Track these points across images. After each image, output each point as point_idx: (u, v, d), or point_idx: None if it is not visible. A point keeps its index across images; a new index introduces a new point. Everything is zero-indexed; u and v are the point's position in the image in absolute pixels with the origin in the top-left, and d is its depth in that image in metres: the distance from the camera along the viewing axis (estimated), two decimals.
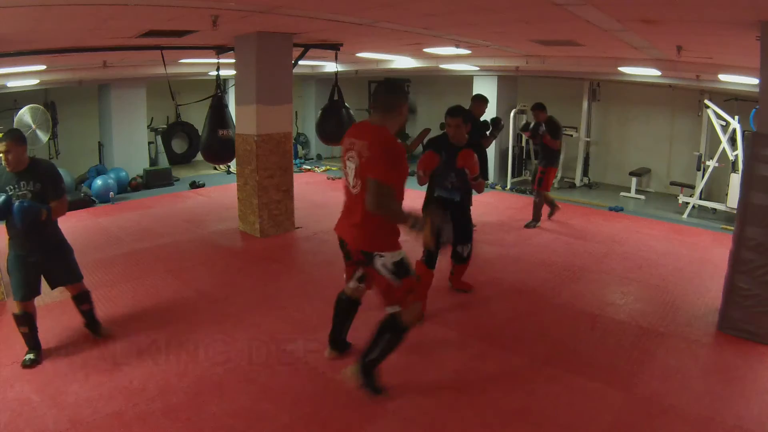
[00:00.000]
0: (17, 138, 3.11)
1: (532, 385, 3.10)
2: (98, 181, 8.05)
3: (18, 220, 2.98)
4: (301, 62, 6.50)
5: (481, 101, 5.97)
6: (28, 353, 3.28)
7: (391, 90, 2.75)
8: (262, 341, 3.60)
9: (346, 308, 3.26)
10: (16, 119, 7.44)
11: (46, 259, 3.29)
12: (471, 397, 2.98)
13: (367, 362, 2.85)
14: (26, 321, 3.26)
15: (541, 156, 6.61)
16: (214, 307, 4.18)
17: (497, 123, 5.89)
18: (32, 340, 3.32)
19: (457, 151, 3.78)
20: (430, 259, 3.92)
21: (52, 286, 3.43)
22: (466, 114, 4.02)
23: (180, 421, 2.72)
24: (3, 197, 3.02)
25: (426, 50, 6.84)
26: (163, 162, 10.17)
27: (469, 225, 4.20)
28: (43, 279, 3.36)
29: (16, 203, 2.99)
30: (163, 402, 2.87)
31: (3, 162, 3.09)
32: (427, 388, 3.05)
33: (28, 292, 3.23)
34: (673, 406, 2.88)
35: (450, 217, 3.75)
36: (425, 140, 4.75)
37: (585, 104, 9.39)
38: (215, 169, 10.75)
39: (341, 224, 2.89)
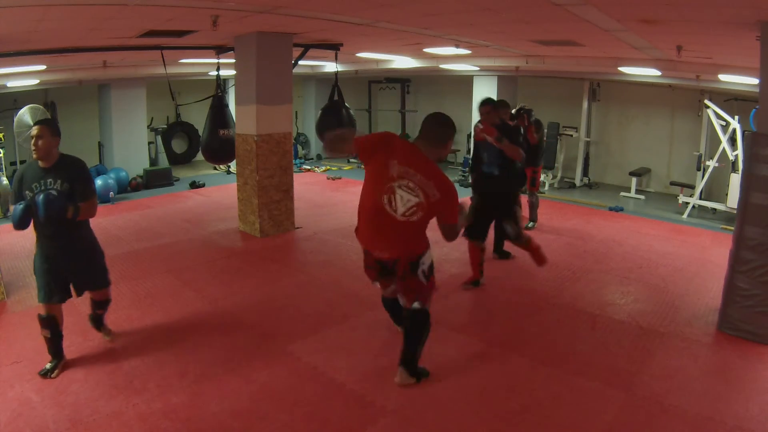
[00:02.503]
0: (51, 127, 3.00)
1: (532, 385, 3.10)
2: (98, 181, 8.05)
3: (41, 211, 2.83)
4: (301, 62, 6.50)
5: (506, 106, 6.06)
6: (49, 363, 3.15)
7: (447, 124, 2.85)
8: (262, 341, 3.60)
9: (396, 305, 3.28)
10: (16, 119, 7.43)
11: (72, 263, 3.13)
12: (471, 397, 2.98)
13: (414, 361, 3.03)
14: (48, 324, 3.09)
15: (529, 156, 6.56)
16: (214, 306, 4.18)
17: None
18: (53, 347, 3.16)
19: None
20: (474, 235, 4.48)
21: (79, 293, 3.24)
22: (495, 103, 4.56)
23: (180, 421, 2.72)
24: (22, 205, 2.87)
25: (426, 50, 6.84)
26: (163, 162, 10.18)
27: (512, 203, 4.54)
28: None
29: (41, 198, 2.85)
30: (163, 402, 2.87)
31: (32, 147, 2.94)
32: (427, 388, 3.05)
33: (49, 294, 3.08)
34: (673, 406, 2.88)
35: (491, 190, 4.50)
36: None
37: (585, 104, 9.40)
38: (215, 169, 10.75)
39: (378, 242, 2.87)
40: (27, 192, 2.97)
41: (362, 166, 2.95)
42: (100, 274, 3.31)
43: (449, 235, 2.83)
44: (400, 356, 3.03)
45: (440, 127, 2.81)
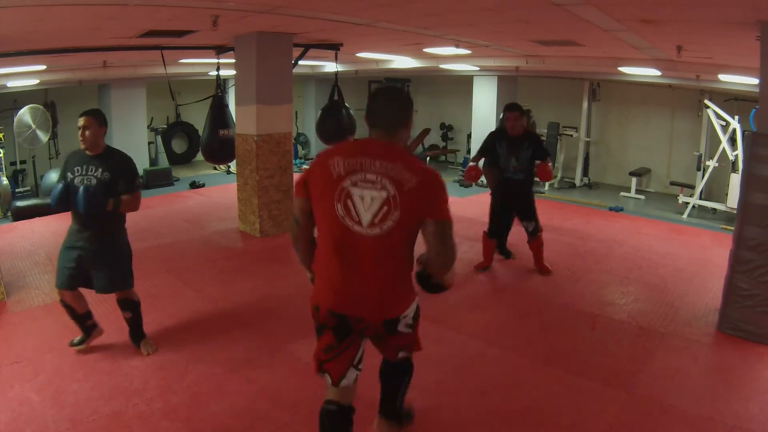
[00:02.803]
0: (98, 117, 3.08)
1: (532, 385, 3.10)
2: None
3: (81, 206, 2.89)
4: (301, 62, 6.50)
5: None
6: (78, 337, 3.37)
7: (400, 99, 2.08)
8: (262, 341, 3.60)
9: (345, 427, 2.17)
10: (16, 119, 7.44)
11: (93, 260, 3.13)
12: (471, 397, 2.98)
13: (400, 410, 2.54)
14: (66, 308, 3.23)
15: None
16: (214, 306, 4.18)
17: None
18: (80, 326, 3.33)
19: (513, 141, 4.60)
20: (493, 234, 4.92)
21: (97, 289, 3.22)
22: (522, 109, 4.67)
23: (180, 421, 2.72)
24: (60, 186, 2.96)
25: (426, 50, 6.84)
26: (163, 162, 10.17)
27: (533, 205, 4.86)
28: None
29: (81, 188, 2.92)
30: (163, 402, 2.87)
31: (80, 137, 3.02)
32: (427, 388, 3.05)
33: (65, 281, 3.13)
34: (673, 406, 2.88)
35: (513, 191, 4.73)
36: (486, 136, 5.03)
37: (585, 104, 9.39)
38: (215, 169, 10.75)
39: (341, 293, 1.98)
40: (69, 174, 3.08)
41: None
42: (117, 277, 3.26)
43: (442, 245, 1.90)
44: (381, 407, 2.52)
45: (398, 106, 2.05)
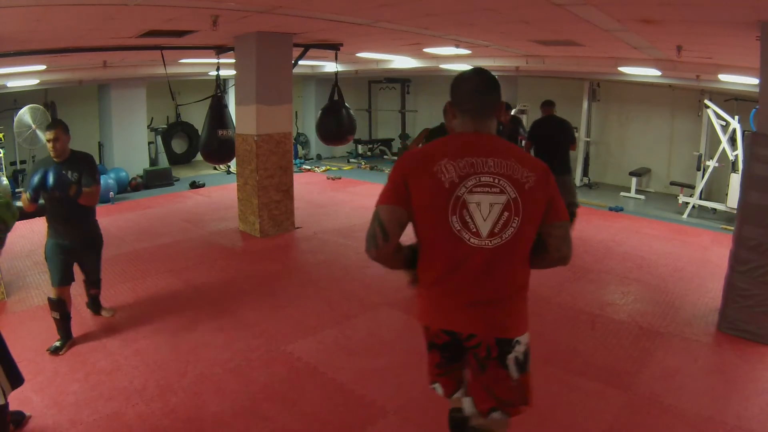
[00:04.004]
0: (65, 128, 3.34)
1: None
2: None
3: (50, 181, 3.15)
4: (301, 62, 6.50)
5: (507, 109, 6.45)
6: (57, 341, 3.44)
7: (494, 79, 1.76)
8: (262, 341, 3.60)
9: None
10: (16, 119, 7.44)
11: (81, 249, 3.51)
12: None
13: None
14: (59, 306, 3.39)
15: None
16: (214, 307, 4.18)
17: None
18: (62, 328, 3.44)
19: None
20: None
21: (87, 276, 3.71)
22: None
23: (180, 421, 2.72)
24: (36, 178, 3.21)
25: (426, 50, 6.84)
26: (163, 162, 10.18)
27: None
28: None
29: (52, 168, 3.21)
30: (163, 402, 2.87)
31: (50, 149, 3.27)
32: (427, 389, 3.04)
33: (63, 277, 3.40)
34: (673, 406, 2.88)
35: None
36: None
37: (585, 104, 9.39)
38: (215, 169, 10.75)
39: (454, 309, 1.72)
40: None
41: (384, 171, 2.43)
42: (99, 260, 3.73)
43: (565, 246, 1.73)
44: None
45: (495, 90, 1.74)
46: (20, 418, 2.66)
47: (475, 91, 1.73)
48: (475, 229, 1.65)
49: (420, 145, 3.63)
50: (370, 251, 1.72)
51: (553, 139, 5.53)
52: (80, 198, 3.30)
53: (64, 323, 3.44)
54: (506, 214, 1.64)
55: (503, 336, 1.72)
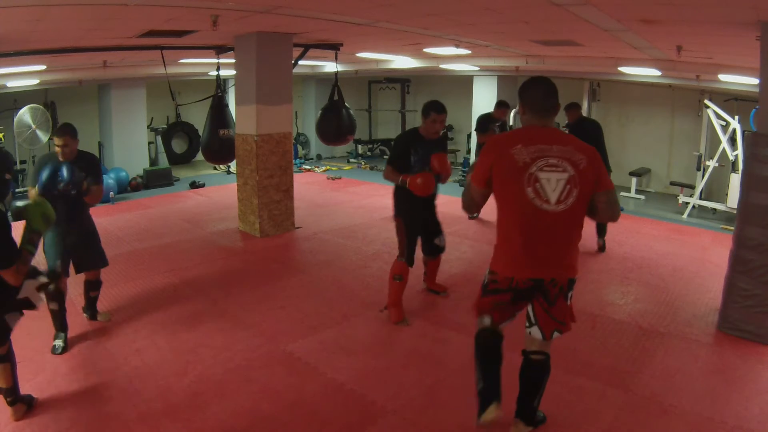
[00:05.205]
0: (74, 133, 3.41)
1: None
2: None
3: (64, 174, 3.27)
4: (301, 62, 6.50)
5: (503, 107, 6.51)
6: (56, 339, 3.46)
7: (555, 89, 2.34)
8: (262, 341, 3.60)
9: (497, 346, 2.47)
10: (16, 119, 7.44)
11: (78, 243, 3.53)
12: (471, 398, 2.97)
13: (535, 409, 2.57)
14: (56, 297, 3.40)
15: None
16: (214, 307, 4.18)
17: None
18: (59, 320, 3.47)
19: (430, 145, 3.76)
20: (410, 257, 3.88)
21: (77, 270, 3.64)
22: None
23: (180, 421, 2.72)
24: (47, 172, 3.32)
25: (426, 50, 6.84)
26: (163, 162, 10.18)
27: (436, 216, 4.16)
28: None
29: (65, 164, 3.31)
30: (163, 402, 2.87)
31: (59, 152, 3.35)
32: (427, 388, 3.05)
33: (61, 267, 3.41)
34: (673, 406, 2.88)
35: (426, 205, 3.92)
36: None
37: (585, 104, 9.38)
38: (215, 169, 10.75)
39: (536, 259, 2.25)
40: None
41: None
42: (100, 255, 3.72)
43: (612, 208, 2.27)
44: (518, 409, 2.54)
45: (548, 98, 2.32)
46: (31, 400, 2.82)
47: (542, 95, 2.32)
48: (546, 198, 2.18)
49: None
50: (467, 204, 2.46)
51: (597, 141, 5.26)
52: (88, 195, 3.41)
53: (61, 314, 3.47)
54: (568, 186, 2.18)
55: (572, 276, 2.33)
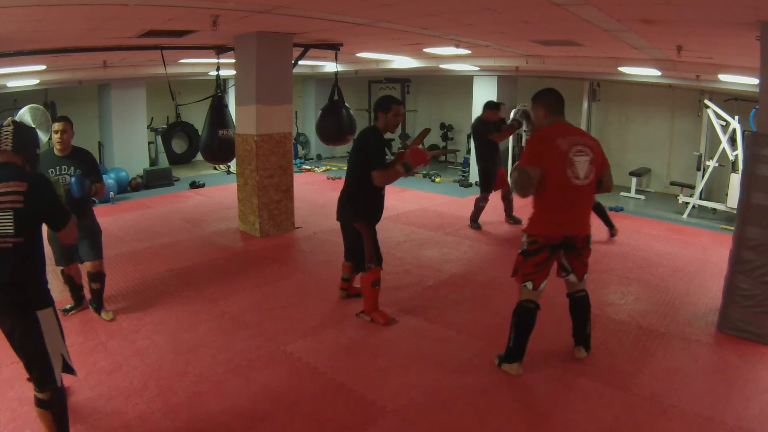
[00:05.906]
0: (71, 122, 3.53)
1: (532, 385, 3.10)
2: None
3: (76, 190, 3.27)
4: (301, 62, 6.50)
5: (494, 107, 6.51)
6: (69, 304, 3.93)
7: (561, 97, 3.15)
8: (262, 341, 3.60)
9: (534, 319, 3.17)
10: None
11: (82, 234, 3.53)
12: (471, 397, 2.98)
13: (588, 334, 3.41)
14: (68, 281, 3.86)
15: (498, 156, 6.59)
16: (214, 307, 4.18)
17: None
18: (74, 295, 3.93)
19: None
20: (380, 259, 3.88)
21: (84, 260, 3.82)
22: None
23: (180, 421, 2.72)
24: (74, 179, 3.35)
25: (426, 50, 6.84)
26: (163, 162, 10.18)
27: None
28: None
29: (73, 177, 3.35)
30: (163, 402, 2.87)
31: (56, 141, 3.44)
32: (427, 388, 3.05)
33: (68, 260, 3.75)
34: (673, 406, 2.88)
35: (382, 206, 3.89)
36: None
37: (585, 104, 9.38)
38: (215, 169, 10.75)
39: (576, 219, 3.07)
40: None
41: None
42: (99, 247, 3.84)
43: (611, 180, 3.19)
44: (578, 337, 3.39)
45: (561, 102, 3.13)
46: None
47: (555, 100, 3.11)
48: (577, 176, 2.94)
49: (420, 144, 3.68)
50: (523, 193, 2.99)
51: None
52: (95, 195, 3.52)
53: (75, 293, 3.91)
54: (590, 166, 2.97)
55: (588, 233, 3.15)
